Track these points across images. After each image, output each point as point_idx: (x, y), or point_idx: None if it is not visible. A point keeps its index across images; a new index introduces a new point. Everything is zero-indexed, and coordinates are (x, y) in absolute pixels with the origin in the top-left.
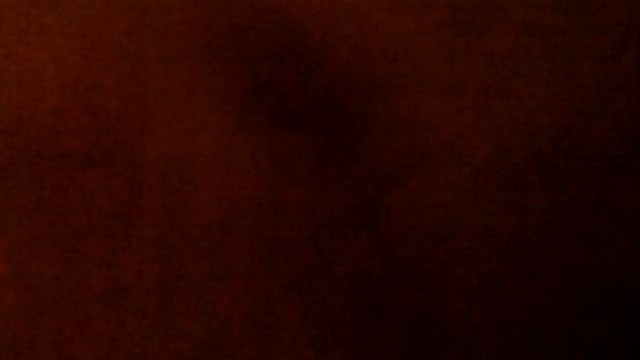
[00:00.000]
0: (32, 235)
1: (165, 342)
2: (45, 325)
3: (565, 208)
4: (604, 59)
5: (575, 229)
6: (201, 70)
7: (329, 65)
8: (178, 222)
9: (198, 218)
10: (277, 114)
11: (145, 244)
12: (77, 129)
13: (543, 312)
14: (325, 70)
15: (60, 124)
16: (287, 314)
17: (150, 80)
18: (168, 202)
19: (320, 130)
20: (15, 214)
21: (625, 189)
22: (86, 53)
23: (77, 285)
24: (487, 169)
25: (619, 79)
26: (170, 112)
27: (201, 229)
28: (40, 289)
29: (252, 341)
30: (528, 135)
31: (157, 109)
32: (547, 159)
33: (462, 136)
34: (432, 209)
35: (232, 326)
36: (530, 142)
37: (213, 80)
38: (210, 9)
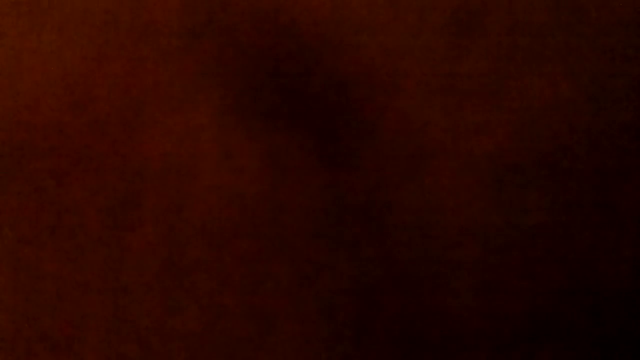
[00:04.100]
0: (32, 235)
1: (165, 342)
2: (45, 325)
3: (565, 208)
4: (604, 59)
5: (575, 229)
6: (201, 70)
7: (329, 65)
8: (178, 221)
9: (198, 218)
10: (277, 114)
11: (145, 243)
12: (76, 129)
13: (543, 311)
14: (325, 70)
15: (60, 124)
16: (287, 314)
17: (149, 80)
18: (167, 202)
19: (320, 130)
20: (15, 214)
21: (625, 189)
22: (85, 53)
23: (77, 285)
24: (487, 169)
25: (619, 79)
26: (169, 112)
27: (201, 228)
28: (40, 289)
29: (252, 341)
30: (528, 135)
31: (157, 109)
32: (547, 159)
33: (462, 136)
34: (432, 208)
35: (232, 326)
36: (530, 142)
37: (213, 80)
38: (210, 9)
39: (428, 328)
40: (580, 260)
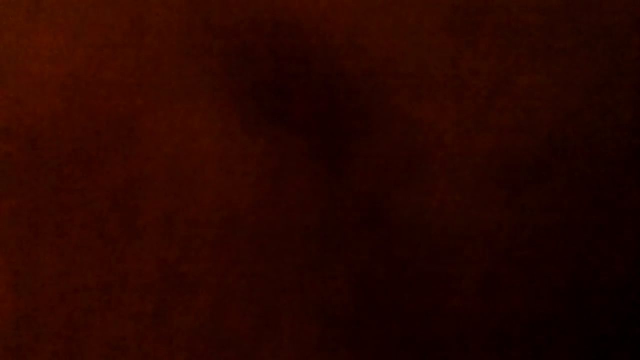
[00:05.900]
0: (32, 235)
1: (165, 342)
2: (45, 326)
3: (565, 208)
4: (603, 59)
5: (575, 229)
6: (201, 70)
7: (329, 65)
8: (178, 221)
9: (198, 218)
10: (277, 114)
11: (145, 243)
12: (77, 129)
13: (543, 311)
14: (325, 70)
15: (60, 124)
16: (286, 314)
17: (150, 81)
18: (168, 202)
19: (320, 130)
20: (15, 214)
21: (625, 189)
22: (86, 53)
23: (77, 285)
24: (487, 169)
25: (618, 79)
26: (170, 112)
27: (201, 228)
28: (40, 289)
29: (252, 341)
30: (528, 135)
31: (158, 109)
32: (547, 158)
33: (463, 136)
34: (432, 208)
35: (232, 325)
36: (530, 142)
37: (213, 80)
38: (211, 9)
39: (428, 328)
40: (580, 260)
